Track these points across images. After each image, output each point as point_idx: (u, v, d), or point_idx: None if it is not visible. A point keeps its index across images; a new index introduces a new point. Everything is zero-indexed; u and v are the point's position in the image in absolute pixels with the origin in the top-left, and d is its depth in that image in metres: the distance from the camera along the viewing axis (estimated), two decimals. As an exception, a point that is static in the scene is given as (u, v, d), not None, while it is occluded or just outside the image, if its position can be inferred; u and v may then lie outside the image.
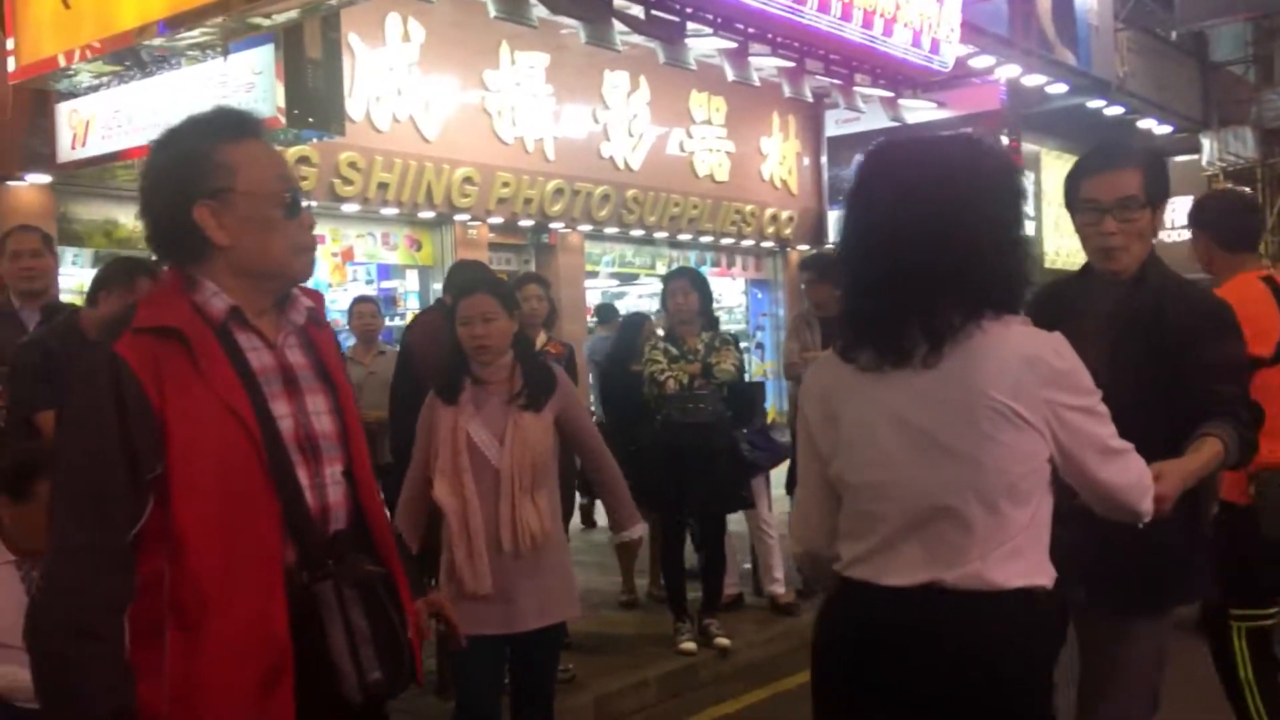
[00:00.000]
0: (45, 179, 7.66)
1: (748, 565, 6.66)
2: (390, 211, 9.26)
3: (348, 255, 9.54)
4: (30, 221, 7.60)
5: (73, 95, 7.23)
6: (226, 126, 1.89)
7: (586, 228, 10.93)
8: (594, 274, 11.83)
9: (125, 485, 1.71)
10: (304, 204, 1.92)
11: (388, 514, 2.21)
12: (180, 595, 1.73)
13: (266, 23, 5.38)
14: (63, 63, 5.87)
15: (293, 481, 1.84)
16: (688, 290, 5.59)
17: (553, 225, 10.59)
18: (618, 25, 7.48)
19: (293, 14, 5.75)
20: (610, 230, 11.16)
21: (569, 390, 3.58)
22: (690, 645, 5.50)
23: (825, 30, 7.96)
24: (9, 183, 7.61)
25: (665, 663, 5.39)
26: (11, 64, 6.26)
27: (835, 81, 9.18)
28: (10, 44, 6.25)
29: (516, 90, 9.85)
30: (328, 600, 1.82)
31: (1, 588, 2.99)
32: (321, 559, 1.84)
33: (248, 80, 6.15)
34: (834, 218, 13.31)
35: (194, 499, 1.74)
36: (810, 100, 10.75)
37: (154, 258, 2.10)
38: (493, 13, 7.18)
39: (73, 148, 7.33)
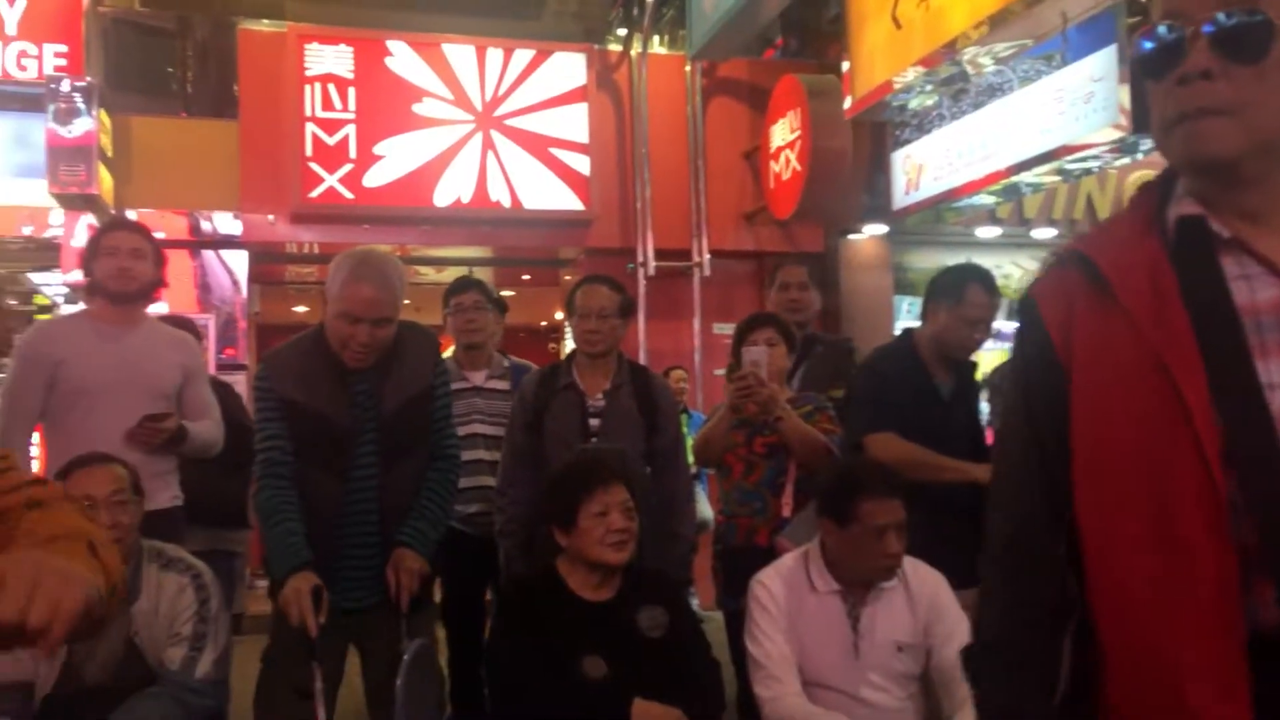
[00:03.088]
0: (882, 229, 7.87)
1: None
2: None
3: None
4: (869, 271, 8.03)
5: (901, 132, 7.32)
6: None
7: None
8: None
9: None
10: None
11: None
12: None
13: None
14: (896, 85, 5.81)
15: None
16: None
17: None
18: None
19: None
20: None
21: None
22: None
23: None
24: (849, 236, 7.97)
25: None
26: (847, 102, 6.42)
27: None
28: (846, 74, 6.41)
29: None
30: None
31: (825, 619, 2.71)
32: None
33: (1086, 90, 5.53)
34: None
35: (1097, 497, 1.17)
36: None
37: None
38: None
39: (906, 193, 7.39)
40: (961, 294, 3.40)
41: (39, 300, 8.19)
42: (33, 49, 6.75)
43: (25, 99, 6.68)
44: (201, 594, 2.81)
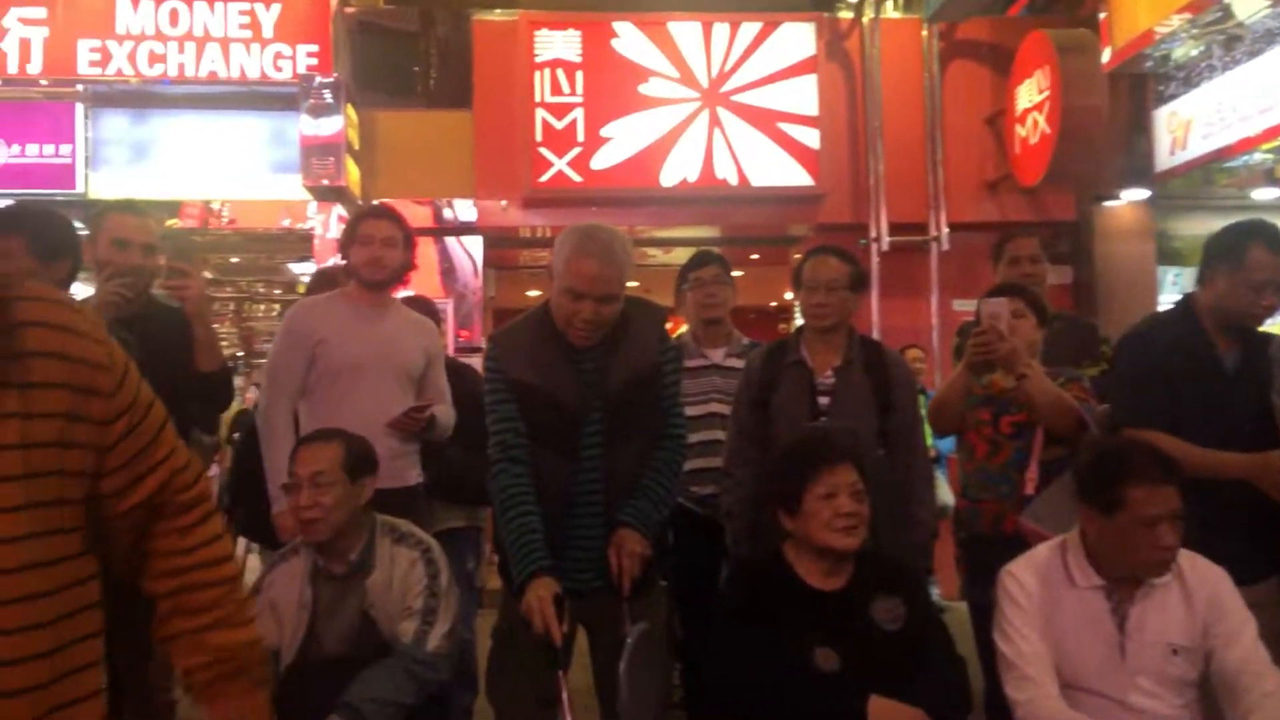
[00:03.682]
0: (1142, 194, 7.24)
1: None
2: None
3: None
4: (1128, 241, 7.41)
5: (1165, 87, 6.69)
6: None
7: None
8: None
9: None
10: None
11: None
12: None
13: None
14: (1159, 34, 5.29)
15: None
16: None
17: None
18: None
19: None
20: None
21: None
22: None
23: None
24: (1106, 203, 7.38)
25: None
26: (1105, 54, 5.90)
27: None
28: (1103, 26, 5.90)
29: None
30: None
31: (1086, 617, 2.44)
32: None
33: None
34: None
35: None
36: None
37: None
38: None
39: (1170, 153, 6.76)
40: (1242, 255, 3.00)
41: (300, 290, 8.74)
42: (287, 50, 7.15)
43: (281, 98, 7.09)
44: (431, 568, 2.83)
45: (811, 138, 7.40)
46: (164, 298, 3.37)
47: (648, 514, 2.78)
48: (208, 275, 9.67)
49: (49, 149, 7.13)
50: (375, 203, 6.54)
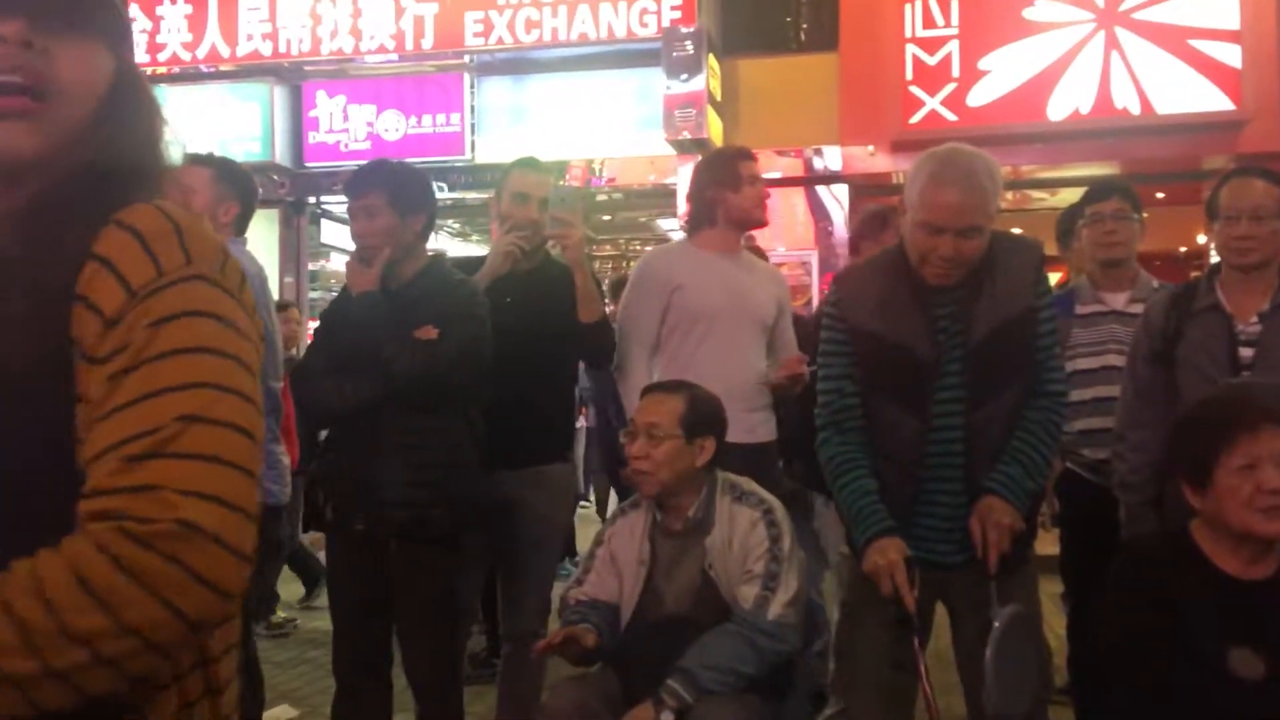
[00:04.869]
0: None
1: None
2: None
3: None
4: None
5: None
6: None
7: None
8: None
9: None
10: None
11: None
12: None
13: None
14: None
15: None
16: None
17: None
18: None
19: None
20: None
21: None
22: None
23: None
24: None
25: None
26: None
27: None
28: None
29: None
30: None
31: None
32: None
33: None
34: None
35: None
36: None
37: None
38: None
39: None
40: None
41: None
42: (652, 5, 7.19)
43: (644, 55, 7.16)
44: (773, 530, 2.64)
45: (1231, 55, 6.51)
46: (559, 255, 3.41)
47: (1019, 481, 2.42)
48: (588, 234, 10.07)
49: (440, 119, 7.68)
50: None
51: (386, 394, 2.72)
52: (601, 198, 8.14)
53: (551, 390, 3.32)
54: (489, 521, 3.04)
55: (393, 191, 2.88)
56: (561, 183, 7.50)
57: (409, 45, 7.57)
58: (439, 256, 3.20)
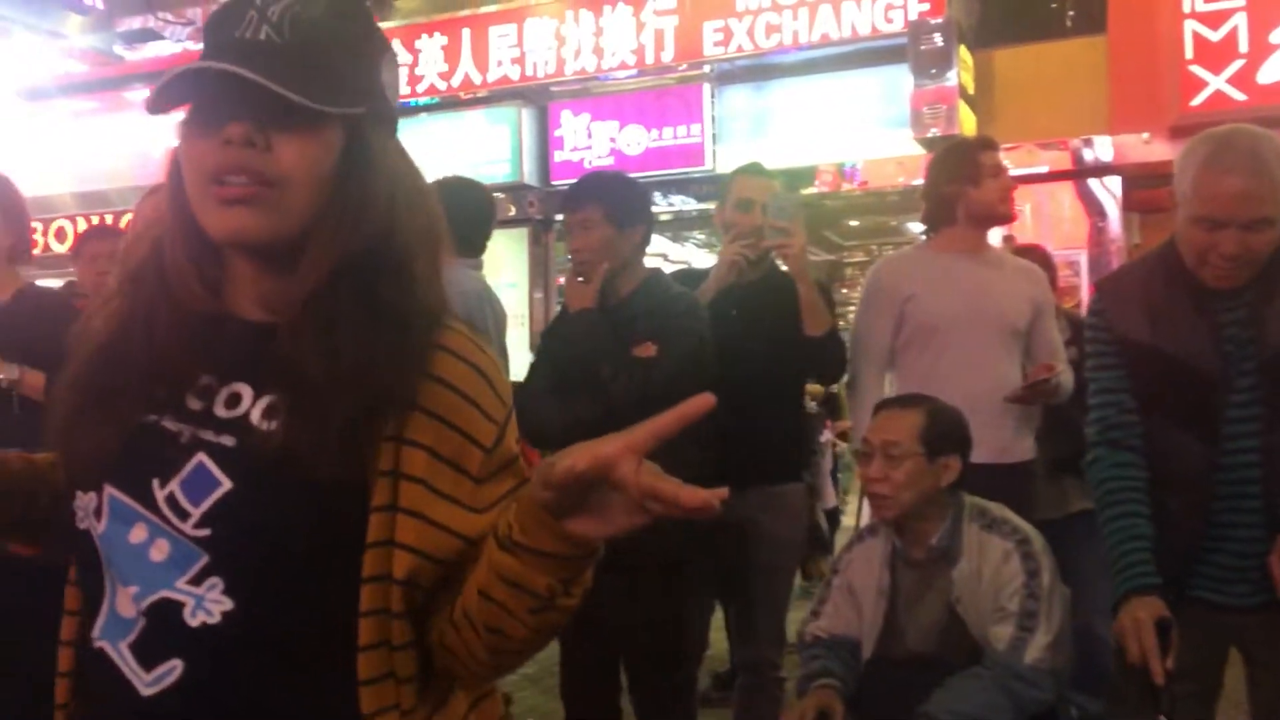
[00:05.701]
0: None
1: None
2: None
3: None
4: None
5: None
6: None
7: None
8: None
9: None
10: None
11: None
12: None
13: None
14: None
15: None
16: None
17: None
18: None
19: None
20: None
21: None
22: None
23: None
24: None
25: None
26: None
27: None
28: None
29: None
30: None
31: None
32: None
33: None
34: None
35: None
36: None
37: None
38: None
39: None
40: None
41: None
42: (898, 0, 6.88)
43: (890, 52, 6.87)
44: (1029, 564, 2.37)
45: None
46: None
47: (1330, 512, 2.05)
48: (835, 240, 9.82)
49: (681, 130, 7.65)
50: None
51: (607, 414, 2.65)
52: (837, 202, 7.86)
53: (781, 405, 3.15)
54: (717, 546, 2.90)
55: (608, 204, 2.80)
56: (805, 190, 7.36)
57: (649, 59, 7.60)
58: (657, 270, 3.10)
